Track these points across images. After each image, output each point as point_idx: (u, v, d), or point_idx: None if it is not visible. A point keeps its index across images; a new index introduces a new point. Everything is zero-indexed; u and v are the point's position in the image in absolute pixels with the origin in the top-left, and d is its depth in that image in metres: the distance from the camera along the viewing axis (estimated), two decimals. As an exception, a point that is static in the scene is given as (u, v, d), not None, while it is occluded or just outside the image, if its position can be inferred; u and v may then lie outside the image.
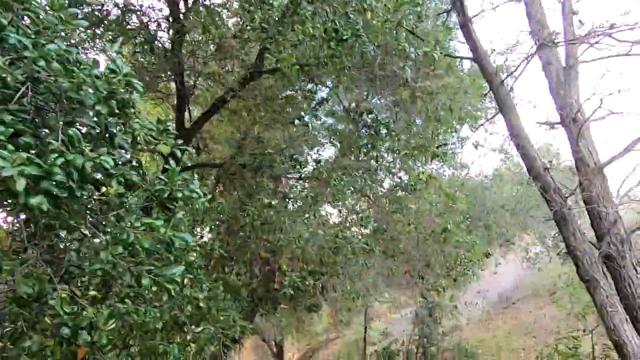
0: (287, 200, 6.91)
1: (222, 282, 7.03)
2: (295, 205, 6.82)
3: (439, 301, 12.34)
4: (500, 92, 4.82)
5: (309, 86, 5.94)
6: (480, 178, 10.46)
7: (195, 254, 3.15)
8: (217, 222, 8.30)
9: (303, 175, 6.32)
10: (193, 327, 3.58)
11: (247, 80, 5.17)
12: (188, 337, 3.54)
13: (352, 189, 5.67)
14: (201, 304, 3.56)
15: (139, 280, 2.08)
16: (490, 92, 4.94)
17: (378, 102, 6.88)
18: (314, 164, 5.66)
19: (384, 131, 5.73)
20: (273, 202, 6.79)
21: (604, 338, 6.92)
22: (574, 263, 4.30)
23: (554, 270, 14.87)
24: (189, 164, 6.69)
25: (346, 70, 4.22)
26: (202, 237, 9.34)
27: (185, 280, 3.23)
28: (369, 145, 5.78)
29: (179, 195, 2.22)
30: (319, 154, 6.59)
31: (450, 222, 5.12)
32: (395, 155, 5.92)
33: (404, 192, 5.81)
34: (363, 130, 6.03)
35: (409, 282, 10.66)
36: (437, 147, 5.65)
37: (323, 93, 6.61)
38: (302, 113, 6.31)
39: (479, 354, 9.85)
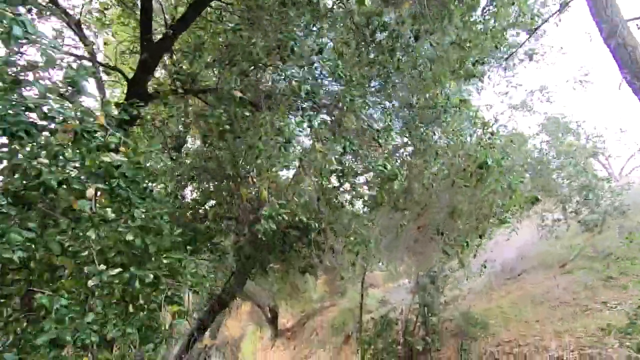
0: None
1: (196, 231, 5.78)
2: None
3: (460, 259, 11.26)
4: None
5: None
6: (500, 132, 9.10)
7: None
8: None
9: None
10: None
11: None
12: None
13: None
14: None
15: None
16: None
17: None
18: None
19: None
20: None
21: None
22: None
23: (564, 241, 13.73)
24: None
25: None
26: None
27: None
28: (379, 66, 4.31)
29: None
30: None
31: (489, 155, 3.78)
32: (415, 78, 4.45)
33: (422, 124, 4.39)
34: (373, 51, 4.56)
35: (420, 241, 9.47)
36: (474, 64, 4.23)
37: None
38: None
39: (490, 323, 8.78)
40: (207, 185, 7.34)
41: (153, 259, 2.38)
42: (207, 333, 21.03)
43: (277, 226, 6.73)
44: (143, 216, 2.33)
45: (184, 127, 8.55)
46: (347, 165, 5.17)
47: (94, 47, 5.70)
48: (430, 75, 4.02)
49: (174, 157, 8.11)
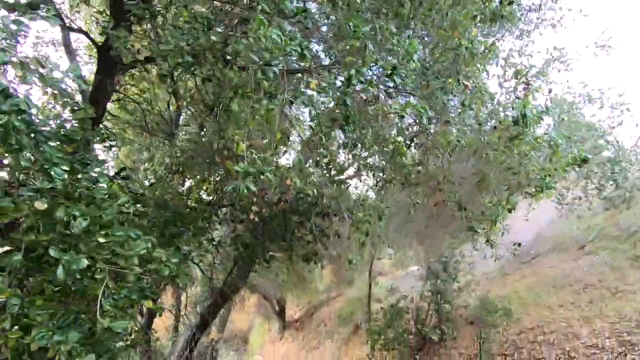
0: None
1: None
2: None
3: (488, 237, 10.52)
4: None
5: None
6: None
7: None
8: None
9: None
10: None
11: None
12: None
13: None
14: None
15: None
16: None
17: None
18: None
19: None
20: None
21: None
22: None
23: (581, 222, 12.92)
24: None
25: None
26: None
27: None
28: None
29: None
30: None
31: (526, 108, 3.00)
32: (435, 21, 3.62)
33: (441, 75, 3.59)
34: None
35: (432, 225, 8.75)
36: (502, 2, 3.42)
37: None
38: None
39: (518, 311, 8.04)
40: (198, 170, 6.63)
41: (91, 238, 1.67)
42: (213, 327, 20.56)
43: (272, 207, 6.03)
44: (66, 177, 1.62)
45: (177, 109, 7.80)
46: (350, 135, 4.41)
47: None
48: (451, 17, 3.24)
49: (166, 142, 7.39)
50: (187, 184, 7.33)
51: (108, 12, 4.76)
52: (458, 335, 9.69)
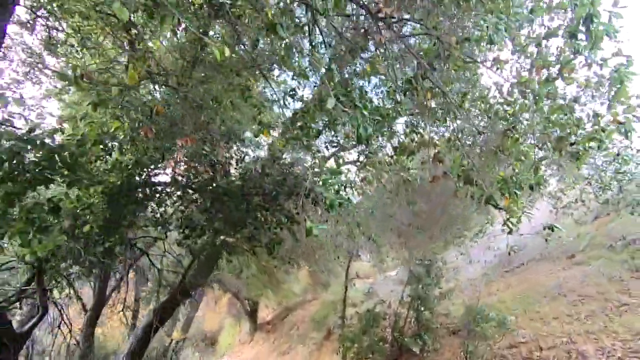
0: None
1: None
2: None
3: (513, 212, 9.51)
4: None
5: None
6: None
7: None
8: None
9: None
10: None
11: None
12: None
13: None
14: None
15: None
16: None
17: None
18: None
19: None
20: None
21: None
22: None
23: (570, 232, 12.09)
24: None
25: None
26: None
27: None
28: None
29: None
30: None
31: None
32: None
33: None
34: None
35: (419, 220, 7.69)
36: None
37: None
38: None
39: (512, 322, 6.92)
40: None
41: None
42: (178, 326, 18.85)
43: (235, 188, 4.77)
44: None
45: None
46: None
47: None
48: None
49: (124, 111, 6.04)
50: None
51: None
52: (439, 346, 8.56)
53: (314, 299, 20.74)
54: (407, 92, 3.14)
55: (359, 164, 8.34)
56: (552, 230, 2.75)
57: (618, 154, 6.54)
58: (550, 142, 2.43)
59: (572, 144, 2.44)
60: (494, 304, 9.31)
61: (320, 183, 3.03)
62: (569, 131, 2.46)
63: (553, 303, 7.77)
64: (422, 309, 9.18)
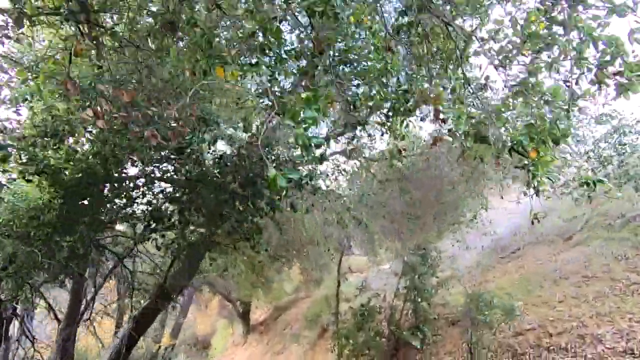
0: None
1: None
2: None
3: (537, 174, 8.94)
4: None
5: None
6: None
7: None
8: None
9: None
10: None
11: None
12: None
13: None
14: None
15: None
16: None
17: None
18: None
19: None
20: None
21: None
22: None
23: (565, 214, 11.72)
24: None
25: None
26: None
27: None
28: None
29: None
30: None
31: None
32: None
33: None
34: None
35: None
36: None
37: None
38: None
39: (520, 307, 6.37)
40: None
41: None
42: (167, 332, 17.92)
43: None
44: None
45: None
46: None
47: None
48: None
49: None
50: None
51: None
52: (439, 338, 8.01)
53: (307, 296, 20.11)
54: (400, 32, 2.52)
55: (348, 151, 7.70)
56: (595, 185, 2.17)
57: (616, 130, 6.11)
58: (590, 69, 1.85)
59: (617, 74, 1.87)
60: (494, 291, 8.83)
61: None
62: (609, 57, 1.89)
63: (555, 287, 7.30)
64: (419, 299, 8.62)
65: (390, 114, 3.14)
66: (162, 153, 4.61)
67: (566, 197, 11.75)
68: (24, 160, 3.77)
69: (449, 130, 2.85)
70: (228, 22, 3.83)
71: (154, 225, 4.39)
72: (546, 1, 2.00)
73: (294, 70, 3.26)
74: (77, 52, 1.91)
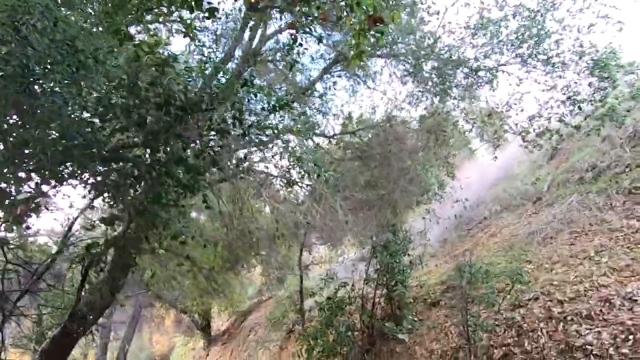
0: None
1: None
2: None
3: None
4: None
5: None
6: None
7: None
8: None
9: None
10: None
11: None
12: None
13: None
14: None
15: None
16: None
17: None
18: None
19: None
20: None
21: None
22: None
23: (526, 179, 11.05)
24: None
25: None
26: None
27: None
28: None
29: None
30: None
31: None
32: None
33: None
34: None
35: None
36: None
37: None
38: None
39: (524, 271, 5.03)
40: None
41: None
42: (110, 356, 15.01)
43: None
44: None
45: None
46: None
47: None
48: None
49: None
50: None
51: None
52: (419, 323, 6.67)
53: (270, 298, 18.26)
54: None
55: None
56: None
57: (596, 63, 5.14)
58: None
59: None
60: (477, 262, 7.70)
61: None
62: None
63: (543, 248, 6.24)
64: (393, 283, 7.24)
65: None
66: None
67: (526, 160, 11.06)
68: None
69: None
70: None
71: None
72: None
73: None
74: None
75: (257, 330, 16.01)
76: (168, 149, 2.93)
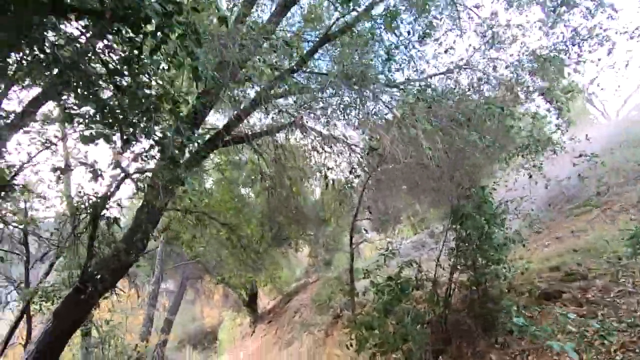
0: None
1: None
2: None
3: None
4: None
5: None
6: None
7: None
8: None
9: None
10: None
11: None
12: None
13: None
14: None
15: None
16: None
17: None
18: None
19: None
20: None
21: None
22: None
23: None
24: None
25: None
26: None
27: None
28: None
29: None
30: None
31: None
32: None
33: None
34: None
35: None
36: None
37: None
38: None
39: None
40: None
41: None
42: (152, 329, 14.52)
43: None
44: None
45: None
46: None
47: None
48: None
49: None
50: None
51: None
52: (530, 322, 4.43)
53: (317, 280, 16.80)
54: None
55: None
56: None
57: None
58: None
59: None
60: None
61: None
62: None
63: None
64: (487, 263, 5.04)
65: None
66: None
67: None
68: None
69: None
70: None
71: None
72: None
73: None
74: None
75: (302, 312, 14.53)
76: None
